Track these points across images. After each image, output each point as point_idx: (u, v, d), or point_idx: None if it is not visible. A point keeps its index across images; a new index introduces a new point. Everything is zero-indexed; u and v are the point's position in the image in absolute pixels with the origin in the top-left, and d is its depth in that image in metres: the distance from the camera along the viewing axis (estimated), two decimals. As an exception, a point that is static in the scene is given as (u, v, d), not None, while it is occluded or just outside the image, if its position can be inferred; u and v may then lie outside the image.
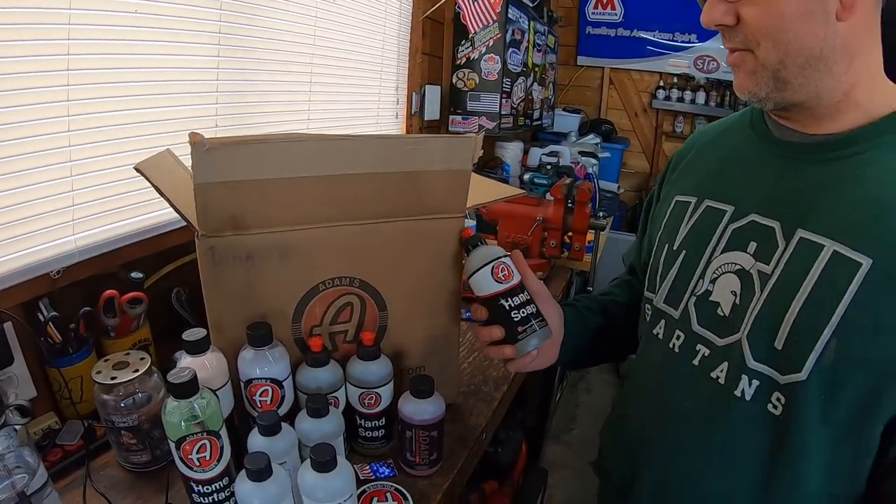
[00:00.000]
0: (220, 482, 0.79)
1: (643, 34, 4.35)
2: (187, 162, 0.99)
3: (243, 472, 0.73)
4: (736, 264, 0.77)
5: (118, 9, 1.14)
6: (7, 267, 1.01)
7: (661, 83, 4.45)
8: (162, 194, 0.84)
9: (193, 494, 0.79)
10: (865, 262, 0.65)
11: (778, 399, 0.72)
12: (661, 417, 0.87)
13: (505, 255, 0.89)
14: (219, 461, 0.77)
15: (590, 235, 2.11)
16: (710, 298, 0.80)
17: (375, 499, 0.91)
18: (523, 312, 0.87)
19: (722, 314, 0.78)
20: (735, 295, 0.76)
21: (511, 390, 1.31)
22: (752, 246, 0.76)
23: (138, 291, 1.18)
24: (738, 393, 0.75)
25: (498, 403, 1.22)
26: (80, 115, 1.10)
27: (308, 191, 0.87)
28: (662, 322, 0.88)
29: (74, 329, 1.08)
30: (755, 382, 0.73)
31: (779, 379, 0.71)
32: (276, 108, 1.67)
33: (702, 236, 0.83)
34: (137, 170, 0.84)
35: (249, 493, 0.73)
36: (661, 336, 0.88)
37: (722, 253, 0.80)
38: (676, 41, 4.25)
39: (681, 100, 4.39)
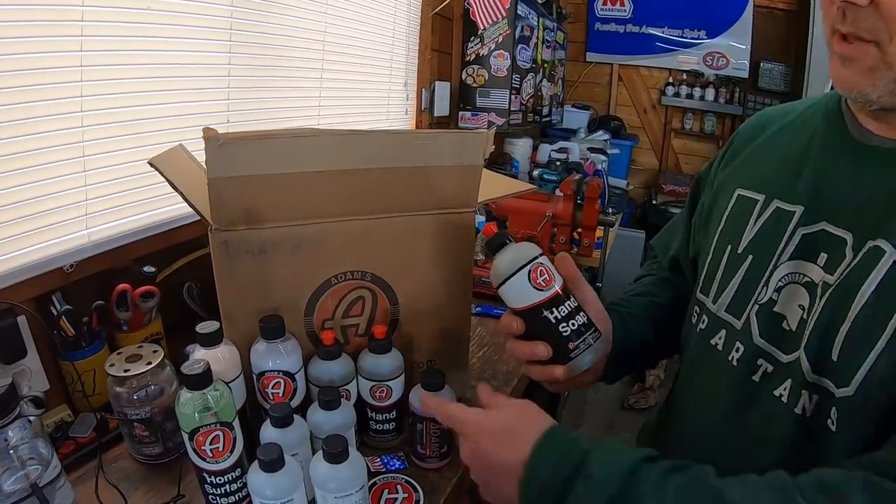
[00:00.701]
0: (233, 473, 0.79)
1: (652, 30, 4.35)
2: (199, 157, 1.00)
3: (256, 462, 0.74)
4: (805, 276, 0.70)
5: (130, 6, 1.15)
6: (21, 261, 1.03)
7: (671, 80, 4.46)
8: (176, 189, 0.85)
9: (206, 485, 0.80)
10: None
11: (834, 415, 0.65)
12: (717, 434, 0.79)
13: (540, 255, 0.75)
14: (231, 452, 0.78)
15: (599, 232, 2.11)
16: (775, 309, 0.72)
17: (386, 491, 0.91)
18: (573, 324, 0.73)
19: (787, 328, 0.71)
20: (803, 309, 0.69)
21: (521, 384, 1.31)
22: (823, 258, 0.68)
23: (151, 285, 1.19)
24: (798, 410, 0.68)
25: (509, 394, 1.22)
26: (94, 111, 1.12)
27: (320, 185, 0.87)
28: (723, 332, 0.80)
29: (87, 322, 1.09)
30: (815, 397, 0.67)
31: (835, 392, 0.64)
32: (287, 104, 1.69)
33: (769, 240, 0.75)
34: (151, 164, 0.85)
35: (262, 484, 0.73)
36: (720, 347, 0.80)
37: (789, 259, 0.72)
38: (686, 37, 4.26)
39: (690, 96, 4.39)
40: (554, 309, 0.73)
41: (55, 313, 1.06)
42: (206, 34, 1.35)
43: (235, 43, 1.43)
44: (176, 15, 1.25)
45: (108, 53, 1.13)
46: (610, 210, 2.14)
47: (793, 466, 0.65)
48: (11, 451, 0.74)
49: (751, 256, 0.77)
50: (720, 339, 0.80)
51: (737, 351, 0.76)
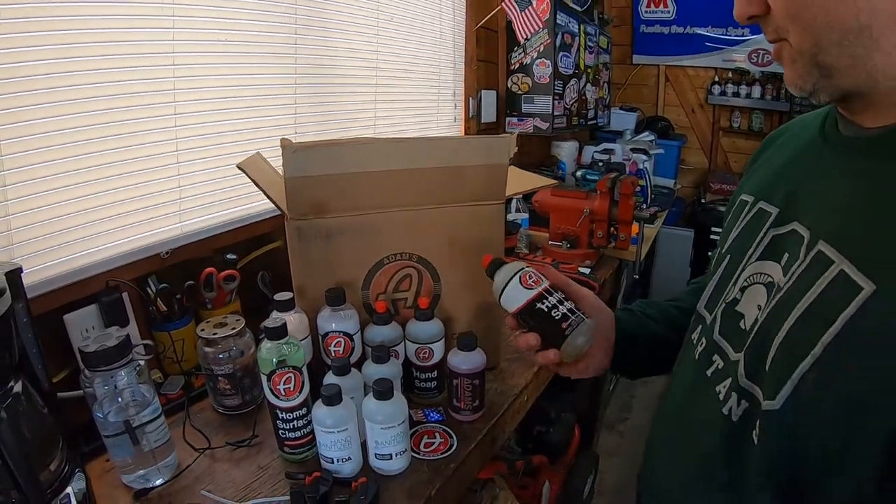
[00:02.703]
0: (300, 411, 0.98)
1: (697, 30, 4.35)
2: (273, 162, 1.21)
3: (320, 400, 0.93)
4: (767, 275, 0.68)
5: (211, 38, 1.37)
6: (127, 247, 1.25)
7: (717, 78, 4.45)
8: (259, 187, 1.05)
9: (278, 421, 0.99)
10: (868, 287, 0.54)
11: (760, 426, 0.62)
12: (673, 427, 0.82)
13: (527, 266, 0.91)
14: (300, 392, 0.97)
15: (635, 227, 2.22)
16: (737, 308, 0.72)
17: (426, 436, 1.10)
18: (561, 309, 0.86)
19: (743, 327, 0.69)
20: (759, 309, 0.67)
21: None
22: (785, 257, 0.66)
23: (233, 270, 1.40)
24: (725, 411, 0.68)
25: (539, 369, 1.36)
26: (185, 126, 1.34)
27: (375, 182, 1.06)
28: (699, 328, 0.81)
29: (179, 300, 1.31)
30: (744, 403, 0.65)
31: (762, 403, 0.61)
32: (345, 116, 1.89)
33: (745, 241, 0.75)
34: (239, 167, 1.05)
35: (324, 415, 0.93)
36: (694, 341, 0.81)
37: (757, 260, 0.71)
38: (730, 35, 4.24)
39: (736, 94, 4.37)
40: (545, 299, 0.87)
41: (151, 292, 1.27)
42: (274, 59, 1.56)
43: (300, 65, 1.63)
44: (249, 44, 1.47)
45: (194, 79, 1.34)
46: (644, 206, 2.24)
47: (718, 475, 0.68)
48: (119, 399, 0.92)
49: (729, 256, 0.79)
50: (696, 334, 0.82)
51: (700, 345, 0.78)
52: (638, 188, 2.26)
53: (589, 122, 3.59)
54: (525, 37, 2.71)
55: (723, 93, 4.42)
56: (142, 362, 0.95)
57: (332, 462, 0.96)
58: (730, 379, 0.68)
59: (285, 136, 0.99)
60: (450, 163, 1.10)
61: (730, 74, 4.39)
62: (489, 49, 2.79)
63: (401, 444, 0.97)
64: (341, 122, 1.87)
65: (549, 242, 2.27)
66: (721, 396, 0.69)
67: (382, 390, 0.93)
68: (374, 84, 2.00)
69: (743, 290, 0.72)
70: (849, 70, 0.58)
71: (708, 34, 4.34)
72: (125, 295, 1.21)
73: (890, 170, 0.58)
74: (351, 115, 1.91)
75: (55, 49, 1.06)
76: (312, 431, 0.99)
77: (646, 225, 2.26)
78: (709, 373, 0.73)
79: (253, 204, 1.54)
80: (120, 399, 0.93)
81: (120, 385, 0.92)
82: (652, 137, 3.85)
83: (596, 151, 3.32)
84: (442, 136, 2.38)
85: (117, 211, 1.23)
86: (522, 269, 0.90)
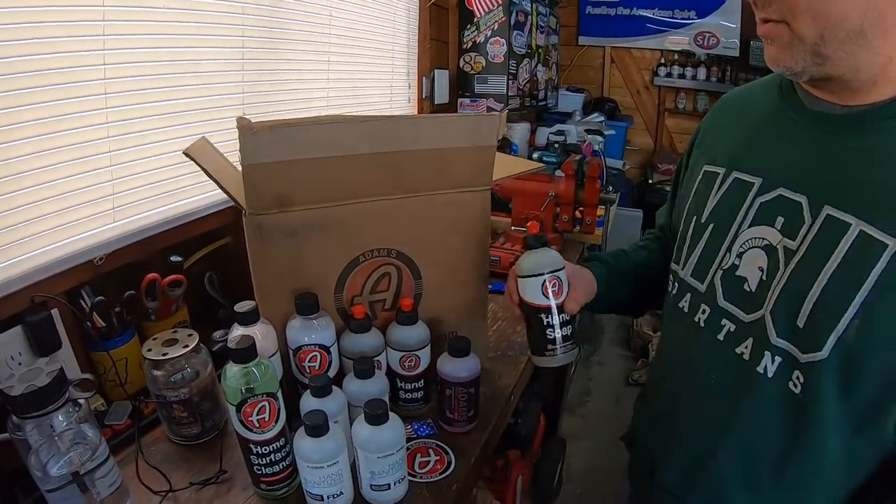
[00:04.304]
0: (277, 443, 0.83)
1: (643, 12, 4.38)
2: (221, 148, 1.04)
3: (302, 429, 0.79)
4: (763, 239, 0.76)
5: (148, 5, 1.18)
6: (54, 255, 1.06)
7: (662, 60, 4.49)
8: (211, 177, 0.89)
9: (252, 456, 0.84)
10: (892, 244, 0.63)
11: (798, 378, 0.71)
12: (688, 391, 0.87)
13: (561, 269, 0.91)
14: (276, 422, 0.82)
15: (600, 210, 2.15)
16: (737, 273, 0.78)
17: (419, 455, 0.97)
18: (559, 333, 0.90)
19: (748, 289, 0.77)
20: (762, 271, 0.75)
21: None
22: (780, 221, 0.74)
23: (178, 274, 1.23)
24: (760, 370, 0.75)
25: (524, 366, 1.28)
26: (117, 108, 1.15)
27: (348, 169, 0.92)
28: (689, 296, 0.87)
29: (119, 313, 1.13)
30: (777, 359, 0.73)
31: (799, 357, 0.70)
32: (296, 95, 1.73)
33: (729, 209, 0.81)
34: (186, 154, 0.88)
35: (310, 449, 0.78)
36: (686, 310, 0.87)
37: (749, 227, 0.78)
38: (676, 18, 4.29)
39: (682, 76, 4.43)
40: (550, 316, 0.90)
41: (85, 306, 1.10)
42: (220, 31, 1.38)
43: (248, 38, 1.46)
44: (191, 13, 1.29)
45: (128, 51, 1.16)
46: (610, 188, 2.18)
47: (755, 425, 0.77)
48: (57, 438, 0.76)
49: (712, 225, 0.84)
50: (686, 302, 0.88)
51: (703, 313, 0.84)
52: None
53: (539, 103, 3.52)
54: (482, 13, 2.61)
55: (668, 74, 4.47)
56: (82, 401, 0.80)
57: (322, 500, 0.82)
58: (751, 339, 0.76)
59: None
60: (433, 145, 0.97)
61: (675, 56, 4.42)
62: (440, 27, 2.67)
63: (399, 472, 0.84)
64: (292, 103, 1.71)
65: (512, 228, 2.17)
66: (747, 357, 0.77)
67: (377, 414, 0.79)
68: (327, 61, 1.85)
69: (740, 255, 0.79)
70: (841, 61, 0.66)
71: (653, 16, 4.37)
72: (55, 312, 1.04)
73: (877, 141, 0.68)
74: (303, 95, 1.76)
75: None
76: (293, 463, 0.85)
77: (610, 208, 2.21)
78: (720, 337, 0.80)
79: (197, 196, 1.36)
80: (59, 443, 0.76)
81: (58, 428, 0.76)
82: (602, 119, 3.83)
83: (551, 133, 3.25)
84: (424, 115, 2.25)
85: (39, 212, 1.04)
86: (554, 272, 0.90)
